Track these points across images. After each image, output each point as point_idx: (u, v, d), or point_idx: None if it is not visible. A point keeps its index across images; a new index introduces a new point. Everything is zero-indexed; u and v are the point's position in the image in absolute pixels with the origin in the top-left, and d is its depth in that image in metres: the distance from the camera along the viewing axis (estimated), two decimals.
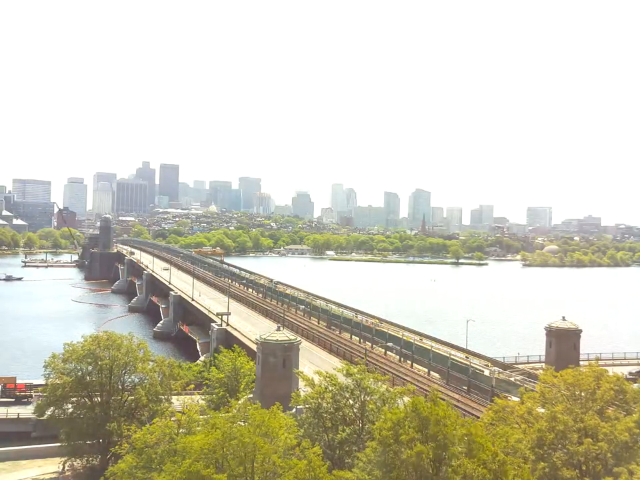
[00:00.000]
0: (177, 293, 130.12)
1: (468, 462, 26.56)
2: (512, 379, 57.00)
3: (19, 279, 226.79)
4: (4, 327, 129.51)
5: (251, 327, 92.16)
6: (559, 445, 33.61)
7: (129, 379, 51.52)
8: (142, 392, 49.36)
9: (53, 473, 49.40)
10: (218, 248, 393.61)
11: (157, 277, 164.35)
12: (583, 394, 37.41)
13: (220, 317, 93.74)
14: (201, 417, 38.88)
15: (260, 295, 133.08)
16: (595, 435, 33.46)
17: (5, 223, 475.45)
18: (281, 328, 60.35)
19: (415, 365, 71.21)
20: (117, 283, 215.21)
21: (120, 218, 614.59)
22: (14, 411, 61.99)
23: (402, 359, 73.37)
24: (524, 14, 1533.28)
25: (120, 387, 50.76)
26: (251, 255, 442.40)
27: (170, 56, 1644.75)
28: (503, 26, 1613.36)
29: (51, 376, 50.29)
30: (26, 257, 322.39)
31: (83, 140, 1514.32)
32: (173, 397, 55.20)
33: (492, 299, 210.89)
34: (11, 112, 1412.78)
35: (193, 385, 60.33)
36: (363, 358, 64.64)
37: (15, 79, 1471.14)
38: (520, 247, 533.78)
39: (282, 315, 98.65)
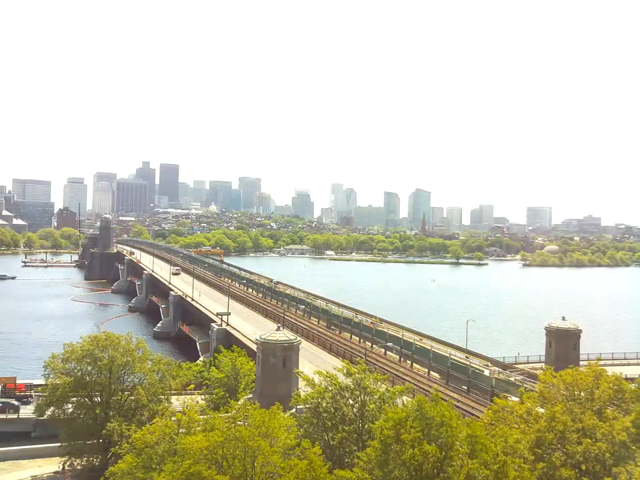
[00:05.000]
0: (176, 293, 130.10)
1: (470, 462, 26.61)
2: (512, 379, 57.03)
3: (13, 278, 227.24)
4: (4, 327, 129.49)
5: (251, 326, 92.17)
6: (558, 445, 33.62)
7: (129, 379, 51.53)
8: (142, 392, 49.36)
9: (53, 472, 49.42)
10: (218, 247, 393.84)
11: (157, 276, 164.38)
12: (582, 394, 37.42)
13: (220, 316, 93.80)
14: (201, 417, 38.89)
15: (260, 295, 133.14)
16: (593, 435, 33.47)
17: (5, 223, 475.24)
18: (281, 328, 60.39)
19: (414, 365, 71.25)
20: (116, 282, 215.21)
21: (120, 218, 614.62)
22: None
23: (402, 359, 73.41)
24: (524, 14, 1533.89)
25: (119, 386, 50.78)
26: (250, 255, 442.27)
27: (170, 56, 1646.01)
28: (503, 26, 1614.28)
29: (51, 376, 50.33)
30: (26, 257, 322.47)
31: (83, 140, 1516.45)
32: (173, 396, 55.23)
33: (491, 299, 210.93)
34: (11, 112, 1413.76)
35: (192, 385, 60.36)
36: (363, 358, 64.65)
37: (15, 79, 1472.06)
38: (520, 247, 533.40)
39: (282, 315, 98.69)
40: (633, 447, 33.23)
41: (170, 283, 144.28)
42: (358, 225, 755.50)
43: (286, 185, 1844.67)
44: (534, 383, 50.13)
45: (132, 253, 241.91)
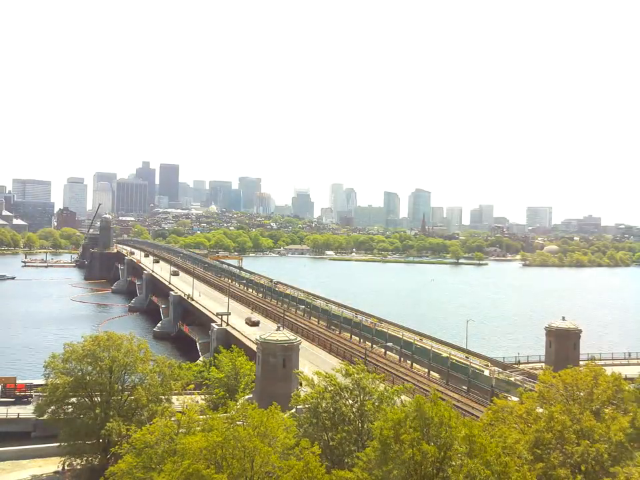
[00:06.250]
0: (176, 293, 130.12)
1: (471, 462, 26.58)
2: (512, 379, 57.03)
3: (12, 278, 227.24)
4: (3, 327, 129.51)
5: (251, 327, 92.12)
6: (557, 445, 33.61)
7: (129, 379, 51.52)
8: (142, 392, 49.36)
9: (53, 472, 49.45)
10: (236, 253, 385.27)
11: (157, 277, 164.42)
12: (581, 394, 37.40)
13: (220, 317, 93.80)
14: (201, 417, 38.91)
15: (260, 295, 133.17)
16: (591, 435, 33.46)
17: (5, 223, 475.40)
18: (281, 328, 60.39)
19: (414, 365, 71.24)
20: (116, 282, 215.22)
21: (120, 218, 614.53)
22: (14, 411, 61.98)
23: (402, 359, 73.41)
24: (524, 14, 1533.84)
25: (120, 387, 50.78)
26: (250, 255, 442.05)
27: (170, 56, 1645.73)
28: (503, 26, 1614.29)
29: (51, 376, 50.34)
30: (26, 257, 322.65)
31: (83, 140, 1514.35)
32: (173, 396, 55.26)
33: (491, 299, 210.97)
34: (11, 112, 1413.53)
35: (192, 385, 60.39)
36: (362, 358, 64.68)
37: (15, 78, 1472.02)
38: (520, 247, 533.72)
39: (282, 315, 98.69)
40: (630, 447, 33.22)
41: (170, 283, 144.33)
42: (358, 225, 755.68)
43: (286, 184, 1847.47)
44: (534, 383, 50.13)
45: (132, 253, 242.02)
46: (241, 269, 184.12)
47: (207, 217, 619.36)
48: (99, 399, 49.88)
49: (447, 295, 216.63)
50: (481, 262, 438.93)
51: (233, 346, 70.75)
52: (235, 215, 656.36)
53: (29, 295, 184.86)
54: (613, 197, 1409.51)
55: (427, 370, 68.06)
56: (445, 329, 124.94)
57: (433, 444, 27.72)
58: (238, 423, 32.90)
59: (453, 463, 27.30)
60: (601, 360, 79.97)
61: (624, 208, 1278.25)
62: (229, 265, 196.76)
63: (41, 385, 56.56)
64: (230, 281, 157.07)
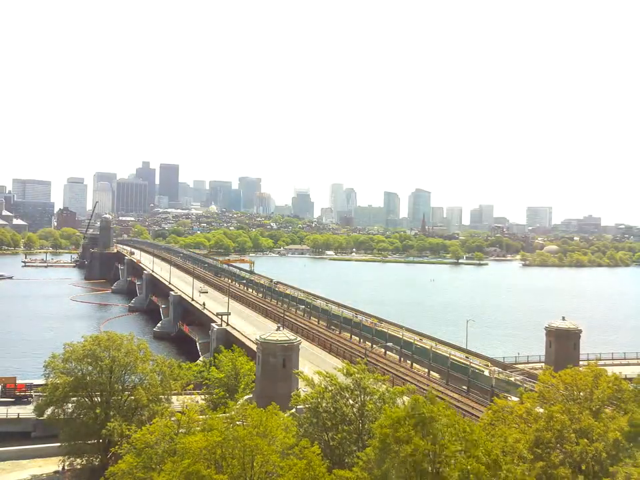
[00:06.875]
0: (176, 292, 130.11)
1: (460, 457, 26.76)
2: (512, 379, 57.04)
3: (10, 278, 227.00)
4: (3, 327, 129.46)
5: (251, 327, 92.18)
6: (557, 445, 33.64)
7: (129, 379, 51.53)
8: (142, 392, 49.36)
9: (53, 472, 49.46)
10: (247, 257, 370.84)
11: (157, 277, 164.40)
12: (581, 394, 37.43)
13: (220, 316, 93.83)
14: (201, 417, 38.93)
15: (260, 295, 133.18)
16: (589, 434, 33.49)
17: (5, 223, 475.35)
18: (281, 328, 60.38)
19: (414, 365, 71.27)
20: (116, 282, 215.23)
21: (120, 218, 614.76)
22: (14, 411, 62.02)
23: (402, 359, 73.43)
24: (524, 14, 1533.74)
25: (120, 387, 50.79)
26: (250, 255, 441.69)
27: (170, 56, 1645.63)
28: (503, 26, 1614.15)
29: (51, 376, 50.36)
30: (26, 257, 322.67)
31: (83, 140, 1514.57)
32: (173, 396, 55.27)
33: (491, 299, 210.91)
34: (11, 112, 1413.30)
35: (192, 385, 60.42)
36: (363, 358, 64.63)
37: (15, 78, 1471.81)
38: (520, 247, 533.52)
39: (282, 315, 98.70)
40: (629, 446, 33.20)
41: (170, 283, 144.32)
42: (358, 225, 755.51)
43: (286, 185, 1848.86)
44: (534, 383, 50.12)
45: (132, 253, 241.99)
46: (252, 272, 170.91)
47: (207, 217, 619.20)
48: (99, 399, 49.90)
49: (446, 295, 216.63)
50: (480, 262, 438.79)
51: (234, 346, 70.74)
52: (235, 215, 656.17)
53: (29, 295, 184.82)
54: (613, 196, 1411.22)
55: (426, 370, 68.07)
56: (444, 329, 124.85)
57: (430, 442, 27.75)
58: (237, 422, 32.92)
59: (450, 461, 27.35)
60: (600, 360, 79.95)
61: (624, 208, 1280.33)
62: (240, 269, 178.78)
63: (41, 385, 56.56)
64: (230, 280, 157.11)
